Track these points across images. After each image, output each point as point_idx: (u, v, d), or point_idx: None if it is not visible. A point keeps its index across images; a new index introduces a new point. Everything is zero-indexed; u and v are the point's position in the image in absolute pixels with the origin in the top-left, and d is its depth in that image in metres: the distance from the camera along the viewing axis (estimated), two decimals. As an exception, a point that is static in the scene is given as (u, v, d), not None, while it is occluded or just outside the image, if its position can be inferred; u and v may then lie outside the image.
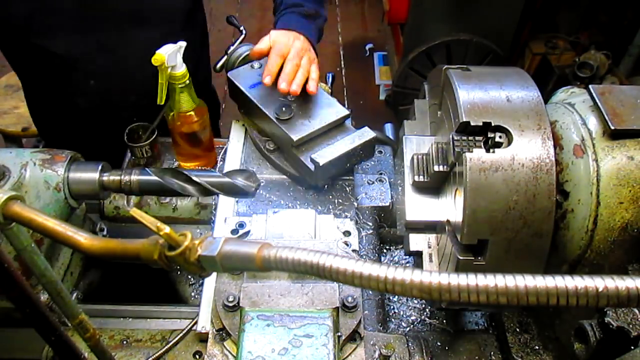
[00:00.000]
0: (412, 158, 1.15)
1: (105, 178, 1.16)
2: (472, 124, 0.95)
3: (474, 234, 0.94)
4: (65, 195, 1.13)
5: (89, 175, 1.16)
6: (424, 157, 1.13)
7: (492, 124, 0.95)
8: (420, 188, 1.14)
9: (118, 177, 1.16)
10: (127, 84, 1.65)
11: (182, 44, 1.36)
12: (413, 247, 1.16)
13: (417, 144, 1.19)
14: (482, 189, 0.92)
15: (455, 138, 0.96)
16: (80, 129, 1.78)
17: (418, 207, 1.14)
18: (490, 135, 0.96)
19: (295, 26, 1.53)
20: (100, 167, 1.17)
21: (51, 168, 1.12)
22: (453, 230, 1.02)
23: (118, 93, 1.68)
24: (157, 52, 1.32)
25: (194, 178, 1.13)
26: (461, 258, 0.97)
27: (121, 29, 1.58)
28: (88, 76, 1.64)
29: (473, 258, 0.97)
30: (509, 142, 0.94)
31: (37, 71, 1.68)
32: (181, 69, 1.37)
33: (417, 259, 1.20)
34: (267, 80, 1.39)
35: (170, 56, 1.33)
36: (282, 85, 1.38)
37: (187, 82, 1.40)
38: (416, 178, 1.12)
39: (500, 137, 0.95)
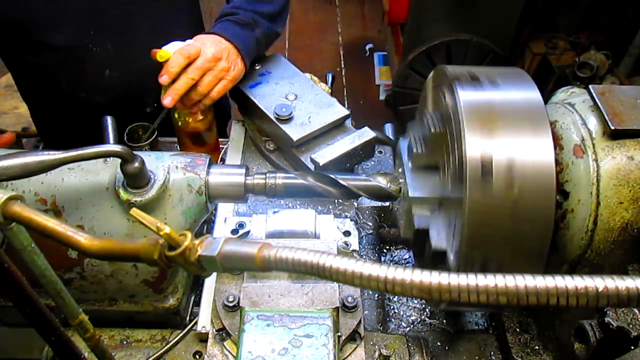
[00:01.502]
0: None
1: (249, 181, 1.14)
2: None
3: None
4: (206, 198, 1.12)
5: (235, 178, 1.14)
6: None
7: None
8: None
9: (263, 180, 1.14)
10: (139, 69, 1.57)
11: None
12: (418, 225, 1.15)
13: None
14: (482, 188, 0.92)
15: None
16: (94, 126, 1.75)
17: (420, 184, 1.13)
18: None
19: (224, 32, 1.43)
20: (244, 170, 1.15)
21: (193, 171, 1.11)
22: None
23: (132, 80, 1.62)
24: (163, 48, 1.32)
25: (340, 181, 1.13)
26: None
27: (126, 11, 1.56)
28: (102, 66, 1.61)
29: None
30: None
31: (47, 76, 1.64)
32: None
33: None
34: (164, 79, 1.32)
35: None
36: (166, 100, 1.32)
37: None
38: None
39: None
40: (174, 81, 1.33)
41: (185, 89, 1.34)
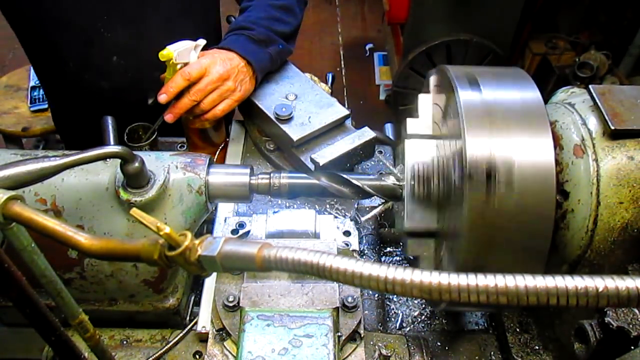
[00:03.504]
0: (413, 167, 1.12)
1: (254, 181, 1.13)
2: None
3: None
4: (206, 198, 1.12)
5: (239, 178, 1.13)
6: (425, 168, 1.09)
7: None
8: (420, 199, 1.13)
9: (267, 180, 1.13)
10: (148, 61, 1.51)
11: (202, 42, 1.35)
12: (412, 253, 1.14)
13: (419, 148, 1.15)
14: (482, 188, 0.92)
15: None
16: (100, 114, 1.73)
17: (417, 215, 1.12)
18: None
19: (239, 48, 1.40)
20: (248, 170, 1.14)
21: (193, 171, 1.10)
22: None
23: (140, 70, 1.60)
24: (167, 47, 1.31)
25: (353, 181, 1.12)
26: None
27: (143, 1, 1.56)
28: (111, 52, 1.61)
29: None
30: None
31: (56, 53, 1.64)
32: None
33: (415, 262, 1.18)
34: (162, 98, 1.32)
35: (182, 53, 1.31)
36: (167, 116, 1.35)
37: None
38: (416, 190, 1.09)
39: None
40: (177, 97, 1.34)
41: (186, 109, 1.35)
